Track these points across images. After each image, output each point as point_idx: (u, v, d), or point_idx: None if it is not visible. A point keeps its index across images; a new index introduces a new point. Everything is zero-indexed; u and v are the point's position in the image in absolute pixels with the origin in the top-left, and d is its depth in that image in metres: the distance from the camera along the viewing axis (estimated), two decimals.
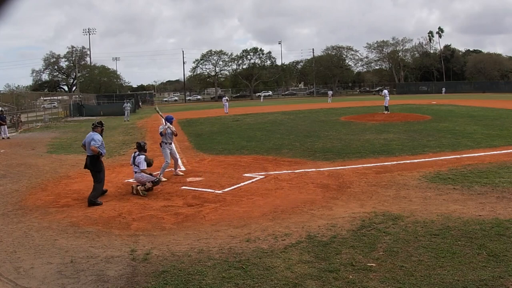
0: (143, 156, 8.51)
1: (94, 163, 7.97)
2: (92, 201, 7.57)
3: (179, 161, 10.61)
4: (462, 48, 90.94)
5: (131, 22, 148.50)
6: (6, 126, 22.07)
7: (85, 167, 8.20)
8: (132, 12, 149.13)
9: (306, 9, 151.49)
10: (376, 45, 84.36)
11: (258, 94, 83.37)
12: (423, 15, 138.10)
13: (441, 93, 63.75)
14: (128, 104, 34.60)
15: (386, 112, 24.98)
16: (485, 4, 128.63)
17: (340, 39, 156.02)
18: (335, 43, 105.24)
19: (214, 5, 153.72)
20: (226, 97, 39.60)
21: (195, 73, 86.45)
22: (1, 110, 24.35)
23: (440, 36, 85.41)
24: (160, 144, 9.94)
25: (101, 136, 8.24)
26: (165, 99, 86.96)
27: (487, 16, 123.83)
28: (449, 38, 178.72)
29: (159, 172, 9.31)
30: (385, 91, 26.61)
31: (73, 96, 54.90)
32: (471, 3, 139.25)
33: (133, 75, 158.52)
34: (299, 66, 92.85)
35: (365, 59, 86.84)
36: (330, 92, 55.05)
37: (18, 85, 58.61)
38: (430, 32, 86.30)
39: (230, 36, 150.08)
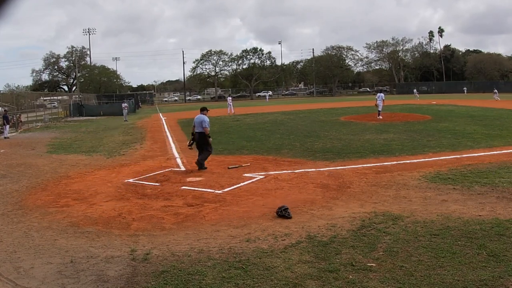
0: None
1: (203, 138, 10.30)
2: (201, 163, 10.02)
3: (179, 161, 10.62)
4: (463, 48, 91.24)
5: (133, 21, 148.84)
6: (8, 126, 22.15)
7: (192, 140, 10.57)
8: (134, 12, 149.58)
9: (309, 9, 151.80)
10: (376, 45, 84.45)
11: (259, 94, 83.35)
12: (426, 14, 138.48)
13: (463, 93, 61.36)
14: (126, 104, 34.51)
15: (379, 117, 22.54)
16: (487, 4, 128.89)
17: (342, 39, 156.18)
18: (337, 43, 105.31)
19: (216, 5, 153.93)
20: (230, 98, 37.67)
21: (195, 73, 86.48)
22: (5, 110, 24.42)
23: (441, 36, 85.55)
24: None
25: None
26: (164, 99, 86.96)
27: (490, 16, 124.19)
28: (451, 38, 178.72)
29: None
30: (381, 94, 24.11)
31: (73, 96, 54.95)
32: (474, 2, 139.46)
33: (134, 75, 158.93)
34: (299, 66, 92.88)
35: (365, 59, 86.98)
36: (415, 91, 54.46)
37: (18, 85, 58.73)
38: (431, 32, 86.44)
39: (232, 36, 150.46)
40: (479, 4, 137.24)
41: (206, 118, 10.48)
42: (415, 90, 55.47)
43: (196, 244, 5.42)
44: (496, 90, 44.63)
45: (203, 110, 10.87)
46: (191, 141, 10.71)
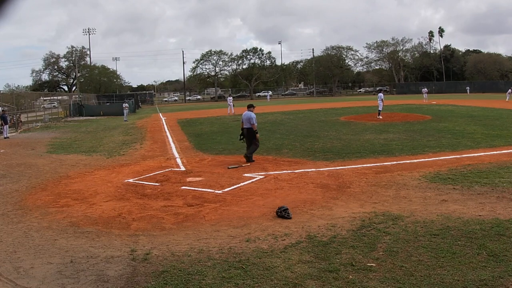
0: None
1: (252, 133, 11.13)
2: (249, 157, 10.83)
3: (179, 161, 10.63)
4: (464, 48, 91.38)
5: (134, 21, 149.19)
6: (7, 126, 22.15)
7: (242, 135, 11.45)
8: (136, 11, 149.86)
9: (310, 9, 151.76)
10: (376, 45, 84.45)
11: (259, 94, 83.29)
12: (427, 14, 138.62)
13: (466, 92, 61.14)
14: (126, 104, 34.51)
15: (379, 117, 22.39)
16: (488, 4, 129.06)
17: (343, 38, 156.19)
18: (338, 42, 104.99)
19: (217, 4, 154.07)
20: (231, 98, 36.80)
21: (195, 73, 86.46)
22: (3, 110, 24.40)
23: (441, 36, 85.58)
24: None
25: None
26: (164, 99, 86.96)
27: (490, 16, 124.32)
28: (451, 38, 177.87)
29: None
30: (381, 94, 23.83)
31: (73, 96, 54.95)
32: (475, 2, 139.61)
33: (134, 75, 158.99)
34: (299, 66, 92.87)
35: (365, 59, 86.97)
36: (424, 89, 47.72)
37: (18, 85, 58.72)
38: (431, 32, 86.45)
39: (233, 36, 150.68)
40: (480, 4, 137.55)
41: (253, 115, 11.20)
42: (424, 89, 48.22)
43: (196, 244, 5.42)
44: (510, 90, 39.27)
45: (250, 107, 11.57)
46: (242, 136, 11.58)
